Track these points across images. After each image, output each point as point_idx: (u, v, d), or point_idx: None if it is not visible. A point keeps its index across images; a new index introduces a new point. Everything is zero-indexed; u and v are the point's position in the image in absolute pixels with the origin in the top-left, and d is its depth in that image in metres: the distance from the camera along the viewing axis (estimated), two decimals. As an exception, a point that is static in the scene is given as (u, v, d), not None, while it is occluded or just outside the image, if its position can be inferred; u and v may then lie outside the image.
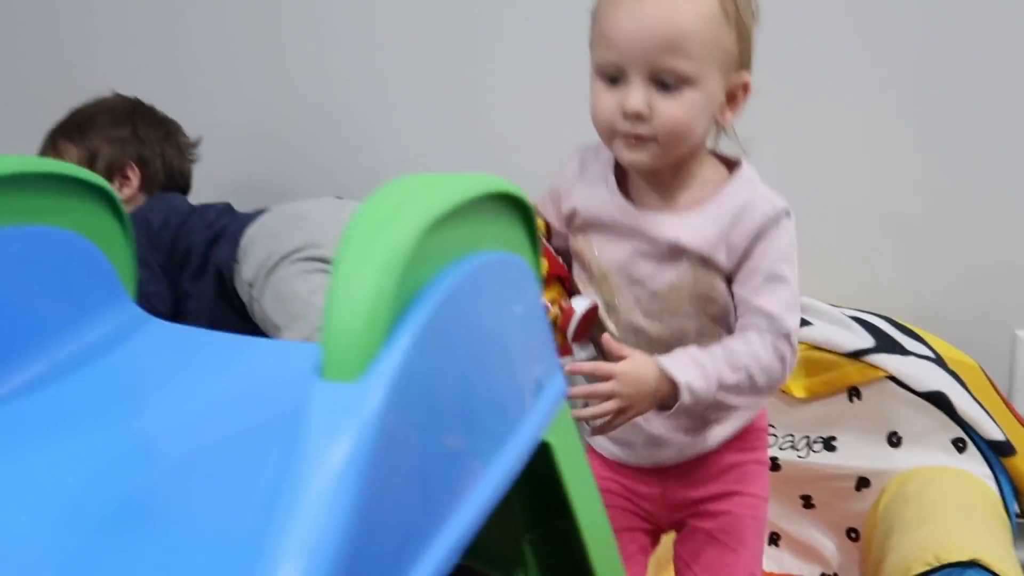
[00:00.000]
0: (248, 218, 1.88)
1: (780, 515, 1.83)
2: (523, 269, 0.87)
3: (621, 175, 1.37)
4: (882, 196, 1.97)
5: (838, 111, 1.96)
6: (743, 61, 1.33)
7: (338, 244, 0.67)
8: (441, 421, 0.71)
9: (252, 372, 0.92)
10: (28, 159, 0.86)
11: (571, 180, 1.40)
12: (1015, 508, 1.76)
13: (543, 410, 0.88)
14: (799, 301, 1.34)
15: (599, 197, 1.37)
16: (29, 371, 0.86)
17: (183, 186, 2.05)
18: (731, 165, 1.36)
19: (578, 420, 1.20)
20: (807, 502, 1.85)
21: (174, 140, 2.04)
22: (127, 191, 1.96)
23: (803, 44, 1.93)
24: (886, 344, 1.81)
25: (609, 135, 1.31)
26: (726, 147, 1.38)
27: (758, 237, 1.30)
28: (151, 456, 0.81)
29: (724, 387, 1.26)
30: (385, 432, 0.61)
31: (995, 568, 1.43)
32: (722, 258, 1.30)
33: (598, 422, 1.26)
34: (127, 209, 1.80)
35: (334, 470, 0.59)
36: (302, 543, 0.57)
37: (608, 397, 1.23)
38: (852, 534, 1.83)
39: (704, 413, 1.33)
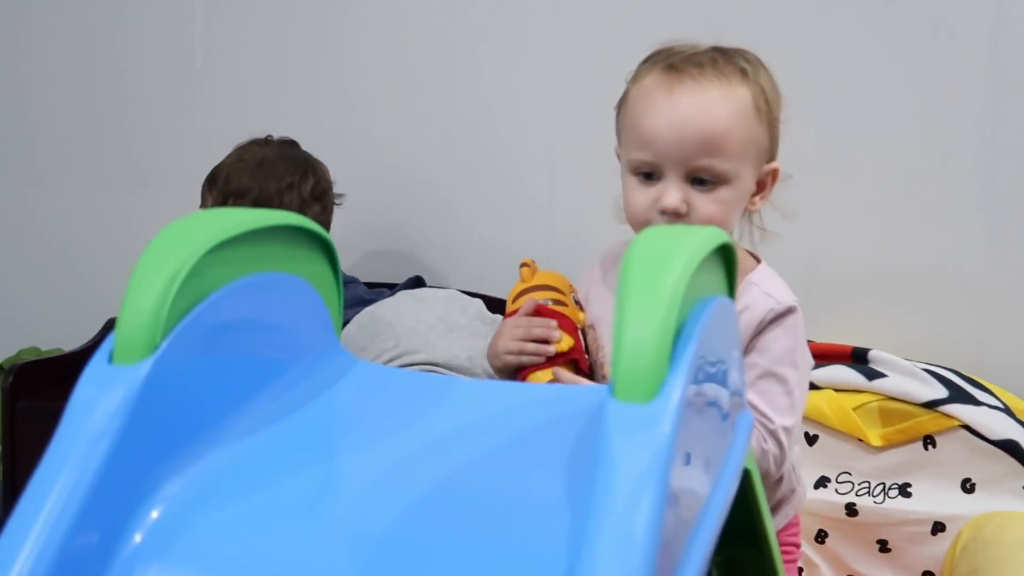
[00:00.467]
0: None
1: (857, 559, 1.86)
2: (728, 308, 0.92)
3: None
4: (948, 255, 2.02)
5: (909, 176, 2.01)
6: (773, 152, 1.35)
7: (619, 283, 0.73)
8: (697, 443, 0.77)
9: (476, 404, 0.97)
10: (262, 212, 0.91)
11: (592, 285, 1.47)
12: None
13: (743, 437, 0.93)
14: (801, 402, 1.32)
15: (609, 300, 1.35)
16: (271, 403, 0.91)
17: None
18: (753, 259, 1.39)
19: None
20: (883, 547, 1.87)
21: (307, 186, 2.06)
22: None
23: (877, 117, 1.99)
24: (959, 395, 1.84)
25: (643, 228, 1.22)
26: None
27: (760, 332, 1.32)
28: (422, 476, 0.86)
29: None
30: (673, 447, 0.67)
31: None
32: None
33: None
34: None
35: (641, 476, 0.65)
36: (620, 538, 0.63)
37: None
38: None
39: None
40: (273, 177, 1.98)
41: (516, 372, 1.35)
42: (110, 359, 0.78)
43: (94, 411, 0.75)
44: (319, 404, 0.95)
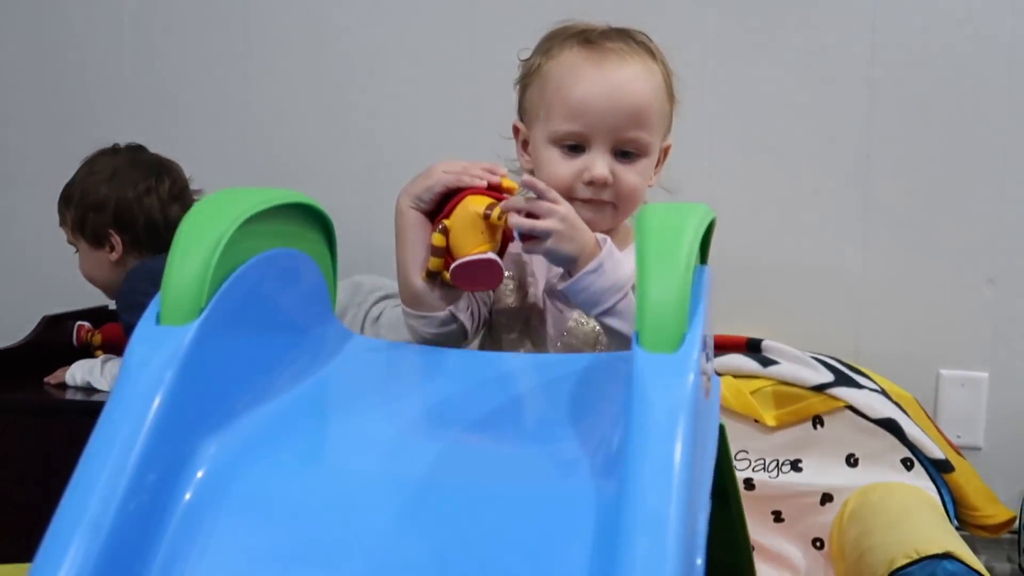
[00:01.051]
0: None
1: (755, 529, 1.89)
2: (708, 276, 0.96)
3: None
4: (830, 257, 2.11)
5: (799, 185, 2.08)
6: (670, 128, 1.35)
7: (639, 251, 0.78)
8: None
9: (477, 370, 1.00)
10: (277, 191, 0.93)
11: None
12: (954, 516, 1.87)
13: (717, 394, 0.98)
14: None
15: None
16: (290, 367, 0.93)
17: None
18: None
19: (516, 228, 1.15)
20: (777, 517, 1.90)
21: (164, 187, 2.00)
22: (115, 255, 1.94)
23: (772, 124, 2.06)
24: (842, 379, 1.91)
25: (567, 199, 1.23)
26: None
27: None
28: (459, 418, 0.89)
29: (623, 287, 1.18)
30: (697, 389, 0.72)
31: (966, 560, 1.51)
32: None
33: (536, 229, 1.15)
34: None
35: (673, 411, 0.70)
36: (659, 460, 0.67)
37: (549, 215, 1.14)
38: (817, 543, 1.89)
39: (596, 302, 1.18)
40: (129, 184, 1.91)
41: (443, 199, 1.19)
42: (157, 321, 0.79)
43: (147, 367, 0.77)
44: (331, 370, 0.97)
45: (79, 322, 1.99)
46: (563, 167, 1.27)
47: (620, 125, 1.25)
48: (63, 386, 1.87)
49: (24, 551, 0.97)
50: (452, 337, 1.23)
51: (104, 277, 1.94)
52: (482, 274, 1.17)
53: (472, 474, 0.81)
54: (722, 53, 2.03)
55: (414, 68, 2.20)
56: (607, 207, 1.28)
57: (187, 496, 0.75)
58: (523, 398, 0.94)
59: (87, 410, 1.75)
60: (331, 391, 0.93)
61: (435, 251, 1.18)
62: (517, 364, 1.07)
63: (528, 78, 1.34)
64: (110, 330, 2.00)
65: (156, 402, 0.74)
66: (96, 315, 2.09)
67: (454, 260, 1.17)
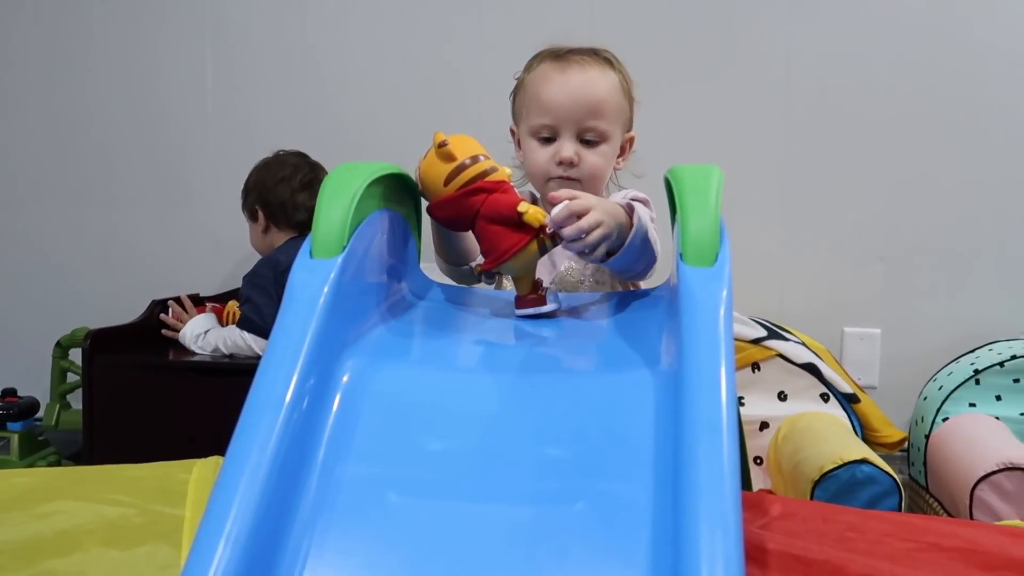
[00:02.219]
0: None
1: None
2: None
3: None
4: (759, 239, 2.12)
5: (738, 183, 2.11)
6: (631, 123, 1.34)
7: (679, 193, 0.80)
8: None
9: None
10: (382, 164, 0.95)
11: None
12: (861, 437, 1.90)
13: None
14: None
15: None
16: (400, 296, 0.95)
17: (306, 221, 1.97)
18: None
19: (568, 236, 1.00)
20: None
21: (297, 179, 2.00)
22: (263, 227, 1.98)
23: (714, 137, 2.09)
24: (773, 334, 1.94)
25: (544, 179, 1.27)
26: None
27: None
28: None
29: (648, 235, 1.13)
30: (731, 291, 0.74)
31: (878, 463, 1.56)
32: None
33: (585, 235, 1.01)
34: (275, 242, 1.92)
35: (716, 306, 0.73)
36: (710, 342, 0.70)
37: (586, 212, 1.02)
38: (758, 460, 1.91)
39: (631, 268, 1.14)
40: (270, 174, 1.96)
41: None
42: (311, 255, 0.81)
43: (309, 287, 0.78)
44: (427, 301, 1.00)
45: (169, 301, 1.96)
46: (540, 153, 1.28)
47: (581, 116, 1.26)
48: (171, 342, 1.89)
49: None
50: (469, 280, 1.20)
51: (258, 246, 2.00)
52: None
53: (554, 369, 0.84)
54: (675, 81, 2.05)
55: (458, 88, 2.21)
56: (576, 183, 1.27)
57: (338, 397, 0.77)
58: (577, 318, 0.97)
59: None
60: (431, 315, 0.96)
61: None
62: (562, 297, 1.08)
63: (516, 90, 1.36)
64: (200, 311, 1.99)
65: (315, 319, 0.76)
66: (196, 303, 2.05)
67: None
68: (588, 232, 0.99)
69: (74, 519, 0.84)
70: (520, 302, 0.98)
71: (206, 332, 1.85)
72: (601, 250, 1.02)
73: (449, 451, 0.72)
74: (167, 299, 1.98)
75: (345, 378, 0.79)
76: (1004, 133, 2.06)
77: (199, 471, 0.93)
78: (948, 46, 2.05)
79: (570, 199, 1.01)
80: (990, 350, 1.99)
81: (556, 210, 0.99)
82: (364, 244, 0.86)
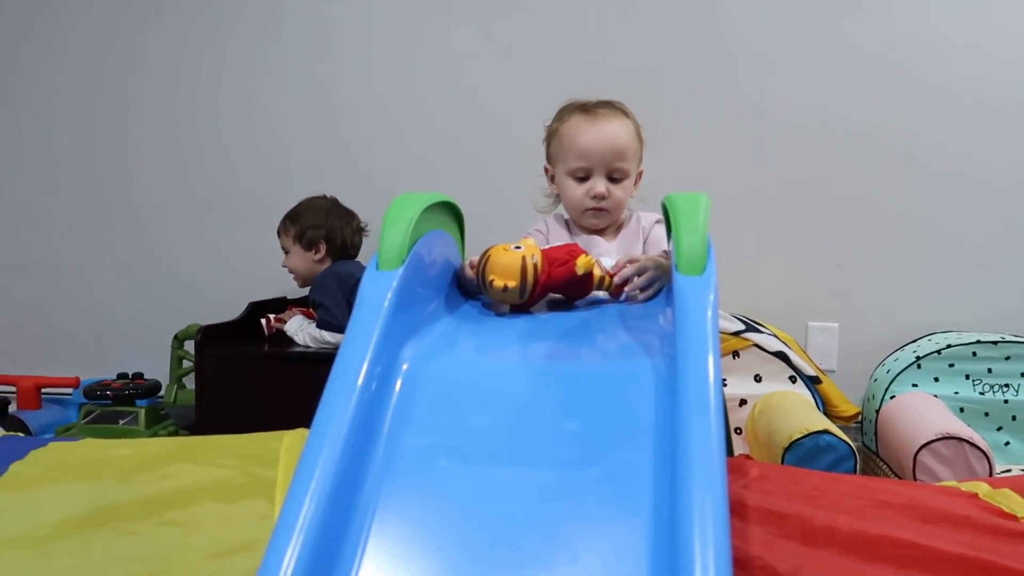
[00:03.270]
0: None
1: None
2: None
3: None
4: (735, 243, 2.08)
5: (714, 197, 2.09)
6: (641, 160, 1.36)
7: (674, 214, 0.80)
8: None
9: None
10: (436, 195, 0.95)
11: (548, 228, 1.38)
12: (823, 411, 1.88)
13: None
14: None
15: (564, 238, 1.32)
16: (448, 302, 0.95)
17: (353, 254, 1.99)
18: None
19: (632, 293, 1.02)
20: None
21: (353, 224, 1.99)
22: (319, 256, 1.93)
23: (698, 161, 2.08)
24: (749, 327, 1.92)
25: (580, 210, 1.31)
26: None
27: (651, 229, 1.34)
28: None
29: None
30: (717, 297, 0.74)
31: (836, 433, 1.53)
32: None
33: (645, 290, 1.04)
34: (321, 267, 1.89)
35: (705, 308, 0.72)
36: (699, 338, 0.69)
37: (642, 272, 1.04)
38: (738, 431, 1.89)
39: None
40: (336, 217, 1.95)
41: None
42: (377, 267, 0.82)
43: (376, 294, 0.79)
44: (467, 306, 0.99)
45: (266, 316, 1.96)
46: (577, 190, 1.30)
47: (609, 160, 1.28)
48: (280, 333, 1.90)
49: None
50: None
51: (305, 271, 1.95)
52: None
53: (572, 358, 0.83)
54: (672, 123, 2.02)
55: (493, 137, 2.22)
56: (604, 213, 1.31)
57: (399, 381, 0.78)
58: (591, 321, 0.96)
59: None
60: (473, 315, 0.96)
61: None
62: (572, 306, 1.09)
63: (550, 137, 1.37)
64: (301, 312, 2.00)
65: (381, 319, 0.77)
66: (279, 303, 2.08)
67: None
68: (647, 287, 1.01)
69: (190, 479, 0.85)
70: (615, 292, 1.00)
71: (301, 328, 1.87)
72: (653, 292, 1.02)
73: (488, 425, 0.73)
74: (261, 301, 2.00)
75: (405, 366, 0.79)
76: (937, 163, 2.03)
77: (288, 440, 0.94)
78: (887, 97, 2.03)
79: (635, 273, 1.02)
80: (929, 340, 1.96)
81: (622, 275, 1.01)
82: (420, 258, 0.87)
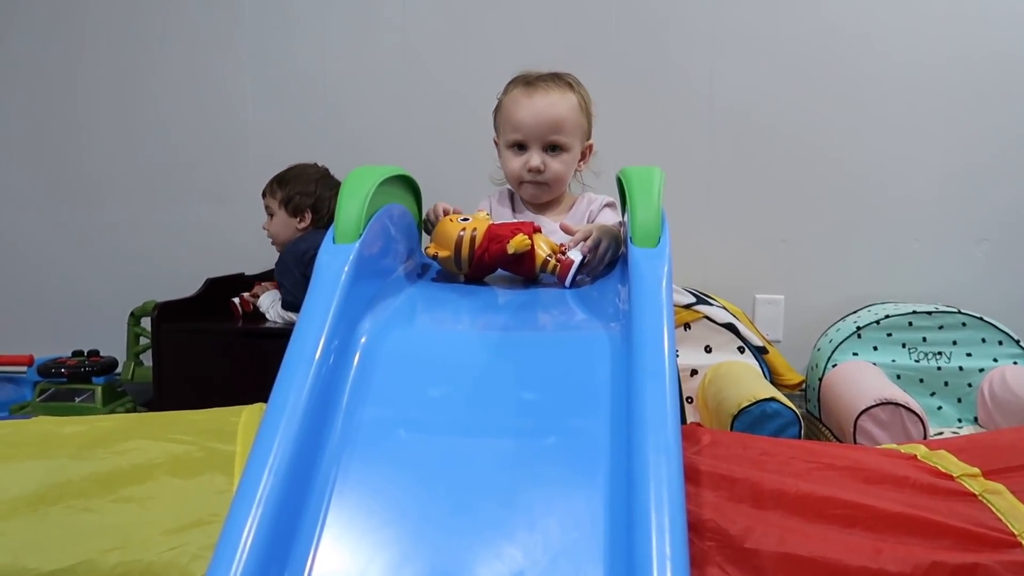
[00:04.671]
0: None
1: None
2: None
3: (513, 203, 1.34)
4: (689, 223, 2.09)
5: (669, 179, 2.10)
6: (589, 133, 1.32)
7: (629, 188, 0.79)
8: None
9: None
10: (390, 168, 0.93)
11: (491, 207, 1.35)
12: (770, 380, 1.90)
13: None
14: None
15: (506, 216, 1.30)
16: (405, 275, 0.93)
17: None
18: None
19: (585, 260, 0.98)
20: None
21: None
22: (303, 224, 1.86)
23: (653, 145, 2.07)
24: (700, 300, 1.92)
25: (518, 182, 1.27)
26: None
27: (599, 212, 1.30)
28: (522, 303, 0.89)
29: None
30: (671, 268, 0.73)
31: (782, 400, 1.54)
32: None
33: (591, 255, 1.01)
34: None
35: (659, 280, 0.71)
36: (655, 308, 0.68)
37: (587, 236, 1.02)
38: (689, 400, 1.90)
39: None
40: (326, 188, 1.86)
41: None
42: (333, 240, 0.79)
43: (333, 267, 0.76)
44: (425, 279, 0.97)
45: (232, 299, 1.90)
46: (514, 162, 1.27)
47: (544, 132, 1.24)
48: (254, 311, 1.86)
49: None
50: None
51: (285, 237, 1.88)
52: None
53: (529, 329, 0.82)
54: (625, 100, 2.02)
55: (449, 105, 2.19)
56: (543, 186, 1.28)
57: (357, 354, 0.76)
58: (547, 295, 0.95)
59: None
60: (430, 288, 0.94)
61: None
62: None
63: (496, 109, 1.34)
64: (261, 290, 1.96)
65: (338, 292, 0.75)
66: (236, 280, 2.02)
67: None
68: (603, 257, 0.99)
69: (146, 454, 0.82)
70: (560, 274, 0.94)
71: (273, 304, 1.82)
72: (606, 256, 1.01)
73: (446, 396, 0.71)
74: (218, 277, 1.95)
75: (363, 339, 0.77)
76: (875, 142, 2.06)
77: (246, 415, 0.91)
78: (831, 78, 2.05)
79: (583, 238, 0.99)
80: (868, 311, 2.00)
81: (574, 253, 0.96)
82: (376, 232, 0.84)
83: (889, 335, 1.90)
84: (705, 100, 2.09)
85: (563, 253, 0.98)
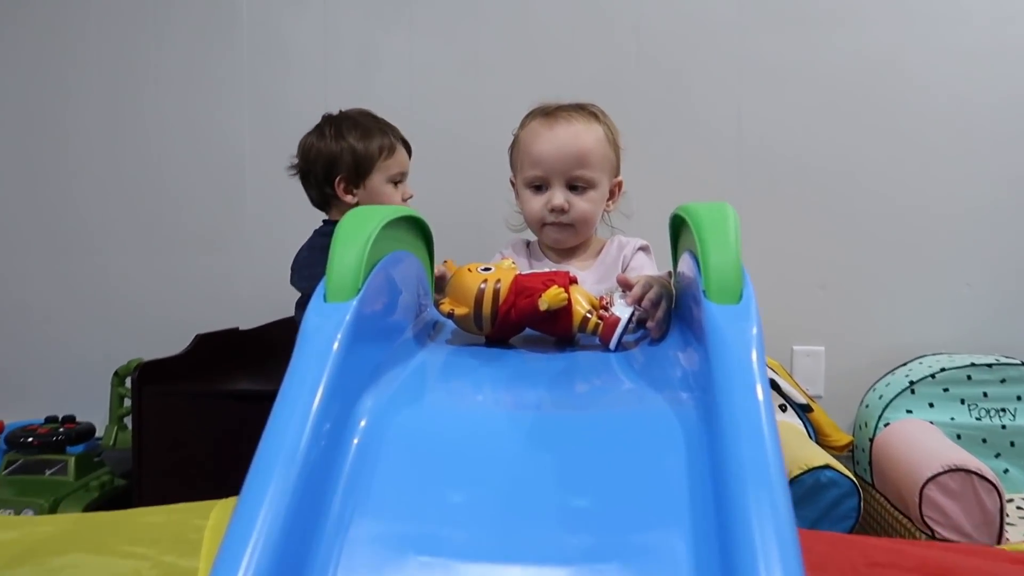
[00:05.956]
0: None
1: None
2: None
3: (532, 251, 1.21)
4: None
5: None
6: (618, 169, 1.19)
7: (697, 229, 0.63)
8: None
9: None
10: (396, 208, 0.77)
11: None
12: (815, 441, 1.73)
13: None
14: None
15: (522, 267, 1.09)
16: (415, 338, 0.76)
17: None
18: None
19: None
20: None
21: None
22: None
23: (681, 182, 1.93)
24: None
25: (539, 225, 1.15)
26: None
27: (632, 257, 1.17)
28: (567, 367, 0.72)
29: None
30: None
31: (838, 468, 1.39)
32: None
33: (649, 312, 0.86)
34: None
35: (749, 344, 0.55)
36: (746, 386, 0.52)
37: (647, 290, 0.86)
38: None
39: None
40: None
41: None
42: (325, 298, 0.63)
43: (323, 332, 0.60)
44: (440, 341, 0.80)
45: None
46: (534, 202, 1.13)
47: (568, 167, 1.10)
48: None
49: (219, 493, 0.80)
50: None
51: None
52: None
53: (572, 407, 0.65)
54: (651, 135, 1.90)
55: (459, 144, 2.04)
56: (568, 228, 1.14)
57: (355, 440, 0.59)
58: (592, 359, 0.78)
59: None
60: (448, 354, 0.77)
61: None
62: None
63: (512, 146, 1.20)
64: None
65: (328, 364, 0.58)
66: (230, 336, 1.83)
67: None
68: (664, 318, 0.82)
69: (84, 574, 0.64)
70: (604, 334, 0.77)
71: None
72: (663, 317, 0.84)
73: (471, 503, 0.54)
74: (209, 333, 1.78)
75: (362, 423, 0.60)
76: (920, 179, 1.91)
77: (215, 516, 0.74)
78: (870, 113, 1.90)
79: (643, 293, 0.82)
80: (920, 363, 1.82)
81: (620, 308, 0.79)
82: (379, 285, 0.68)
83: (946, 390, 1.72)
84: (733, 136, 1.94)
85: (605, 308, 0.81)
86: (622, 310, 0.79)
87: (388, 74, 2.02)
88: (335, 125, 1.45)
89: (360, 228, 0.66)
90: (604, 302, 0.82)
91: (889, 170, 1.91)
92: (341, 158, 1.41)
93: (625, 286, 0.85)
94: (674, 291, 0.85)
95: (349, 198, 1.42)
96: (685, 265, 0.73)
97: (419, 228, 0.84)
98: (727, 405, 0.51)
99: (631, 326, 0.79)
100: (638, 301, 0.81)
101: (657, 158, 1.92)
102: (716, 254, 0.60)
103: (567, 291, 0.79)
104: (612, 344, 0.78)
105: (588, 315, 0.80)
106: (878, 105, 1.91)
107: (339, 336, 0.59)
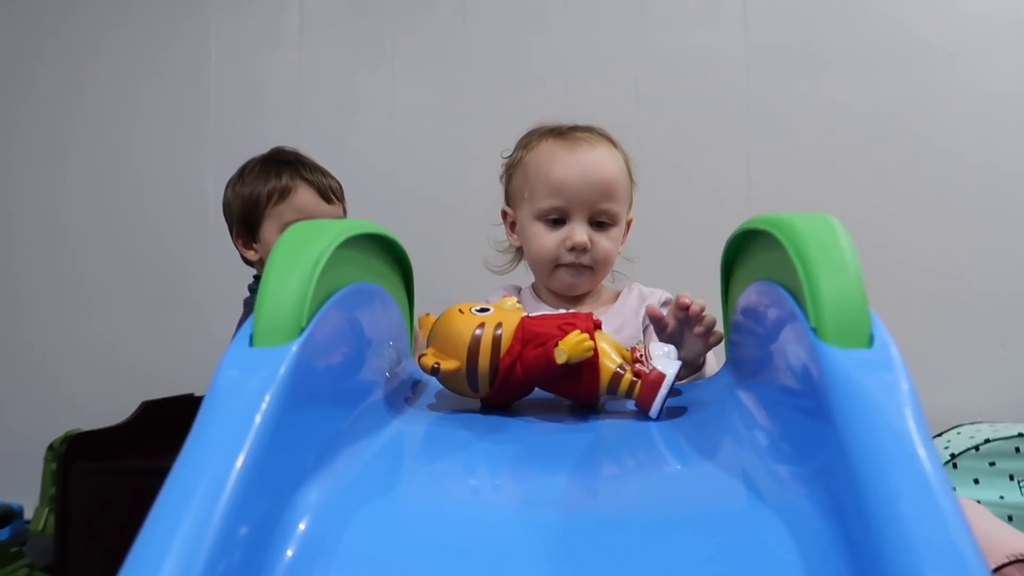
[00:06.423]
0: None
1: None
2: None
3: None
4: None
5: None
6: (631, 205, 1.03)
7: (796, 251, 0.44)
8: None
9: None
10: (357, 222, 0.57)
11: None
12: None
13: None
14: None
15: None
16: (381, 404, 0.56)
17: None
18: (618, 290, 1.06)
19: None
20: None
21: None
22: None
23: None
24: None
25: (551, 265, 0.96)
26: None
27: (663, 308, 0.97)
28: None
29: None
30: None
31: None
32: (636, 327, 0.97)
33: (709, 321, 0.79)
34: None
35: (907, 415, 0.35)
36: (910, 469, 0.32)
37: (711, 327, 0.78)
38: None
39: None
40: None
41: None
42: (250, 343, 0.43)
43: (241, 393, 0.40)
44: (421, 405, 0.60)
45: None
46: (548, 238, 0.95)
47: (594, 199, 0.93)
48: None
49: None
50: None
51: None
52: None
53: (610, 499, 0.44)
54: (661, 179, 1.75)
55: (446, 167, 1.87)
56: (586, 271, 0.96)
57: (288, 553, 0.38)
58: (614, 431, 0.57)
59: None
60: (427, 427, 0.56)
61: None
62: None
63: (512, 169, 1.02)
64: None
65: (250, 436, 0.38)
66: (183, 402, 1.63)
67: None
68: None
69: None
70: (643, 397, 0.57)
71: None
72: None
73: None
74: (158, 400, 1.56)
75: (302, 525, 0.40)
76: (947, 234, 1.77)
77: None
78: (893, 162, 1.77)
79: (699, 309, 0.77)
80: (959, 434, 1.63)
81: (663, 360, 0.60)
82: (333, 325, 0.48)
83: (992, 464, 1.53)
84: (743, 181, 1.79)
85: (639, 362, 0.60)
86: (665, 363, 0.59)
87: (367, 117, 1.87)
88: (242, 170, 1.23)
89: (305, 246, 0.47)
90: (637, 354, 0.62)
91: (912, 221, 1.78)
92: (231, 209, 1.20)
93: (656, 319, 0.70)
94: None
95: (251, 254, 1.20)
96: (753, 297, 0.54)
97: (394, 255, 0.65)
98: (882, 500, 0.31)
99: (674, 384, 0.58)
100: (697, 318, 0.69)
101: (658, 202, 1.76)
102: (828, 278, 0.42)
103: (592, 338, 0.59)
104: (654, 411, 0.57)
105: (620, 370, 0.59)
106: (902, 158, 1.80)
107: (268, 396, 0.39)
